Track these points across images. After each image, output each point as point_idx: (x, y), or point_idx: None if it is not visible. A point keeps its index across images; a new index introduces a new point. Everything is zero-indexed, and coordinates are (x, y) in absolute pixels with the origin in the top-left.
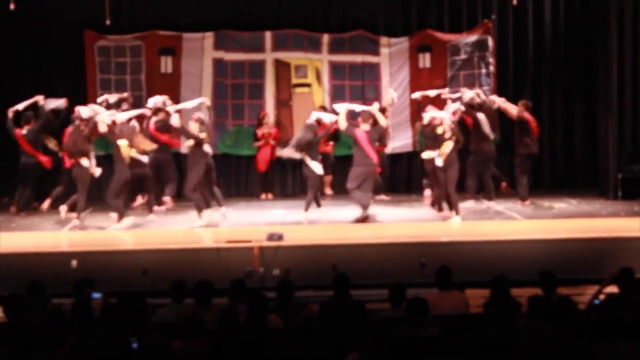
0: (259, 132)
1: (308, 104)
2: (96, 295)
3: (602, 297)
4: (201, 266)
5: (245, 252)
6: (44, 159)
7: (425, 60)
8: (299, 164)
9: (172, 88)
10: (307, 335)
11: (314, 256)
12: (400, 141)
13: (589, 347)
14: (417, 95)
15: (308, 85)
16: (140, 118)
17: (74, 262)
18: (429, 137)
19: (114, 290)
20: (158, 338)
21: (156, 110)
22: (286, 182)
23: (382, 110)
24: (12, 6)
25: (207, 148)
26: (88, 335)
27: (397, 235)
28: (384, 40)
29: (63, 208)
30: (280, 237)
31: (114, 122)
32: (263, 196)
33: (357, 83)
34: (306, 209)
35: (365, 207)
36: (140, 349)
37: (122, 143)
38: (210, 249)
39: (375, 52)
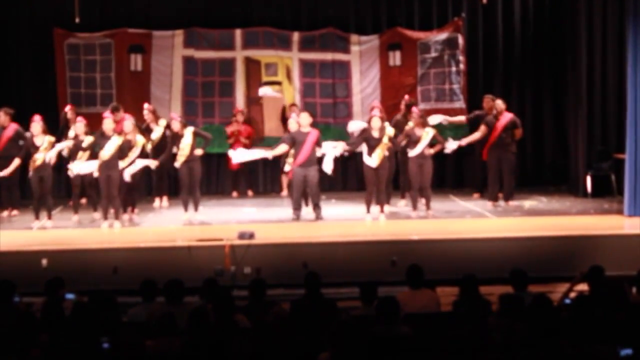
0: (229, 129)
1: (278, 102)
2: (69, 295)
3: (572, 295)
4: (172, 265)
5: (217, 251)
6: None
7: (395, 58)
8: (272, 162)
9: (142, 86)
10: (278, 334)
11: (285, 254)
12: None
13: (561, 346)
14: (438, 119)
15: (278, 83)
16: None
17: (44, 261)
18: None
19: (84, 289)
20: (129, 337)
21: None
22: (257, 180)
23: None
24: None
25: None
26: (60, 336)
27: (367, 234)
28: (354, 38)
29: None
30: (251, 236)
31: None
32: (234, 194)
33: (328, 81)
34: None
35: None
36: (111, 348)
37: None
38: (181, 247)
39: (346, 50)
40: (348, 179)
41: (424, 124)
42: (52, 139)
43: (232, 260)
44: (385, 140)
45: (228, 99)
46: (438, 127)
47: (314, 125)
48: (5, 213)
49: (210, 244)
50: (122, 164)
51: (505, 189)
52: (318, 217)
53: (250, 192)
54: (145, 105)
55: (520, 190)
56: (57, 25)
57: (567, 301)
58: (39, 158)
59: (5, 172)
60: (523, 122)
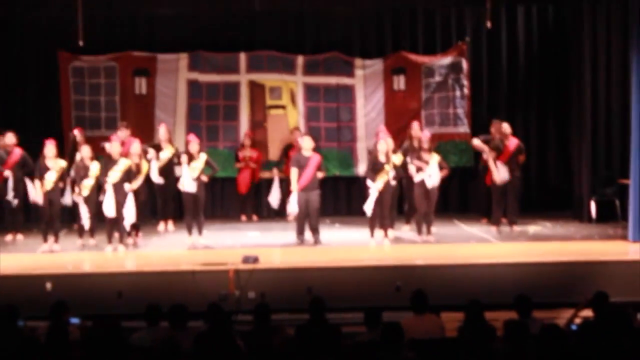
0: (240, 154)
1: (282, 126)
2: (74, 320)
3: (577, 321)
4: (176, 289)
5: (221, 275)
6: None
7: (399, 83)
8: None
9: (147, 109)
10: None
11: (289, 279)
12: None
13: None
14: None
15: (282, 107)
16: None
17: (49, 285)
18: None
19: (88, 314)
20: None
21: None
22: (264, 204)
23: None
24: None
25: None
26: None
27: (372, 259)
28: (358, 62)
29: None
30: (255, 260)
31: None
32: (243, 218)
33: (332, 105)
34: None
35: None
36: None
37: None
38: (186, 272)
39: (350, 74)
40: (352, 203)
41: (430, 150)
42: (63, 163)
43: (236, 284)
44: (389, 166)
45: (232, 123)
46: (442, 152)
47: (316, 149)
48: (9, 237)
49: (215, 269)
50: (126, 186)
51: (510, 214)
52: (316, 241)
53: (255, 217)
54: (163, 125)
55: (525, 215)
56: (61, 48)
57: (574, 327)
58: (50, 181)
59: (34, 195)
60: (527, 147)
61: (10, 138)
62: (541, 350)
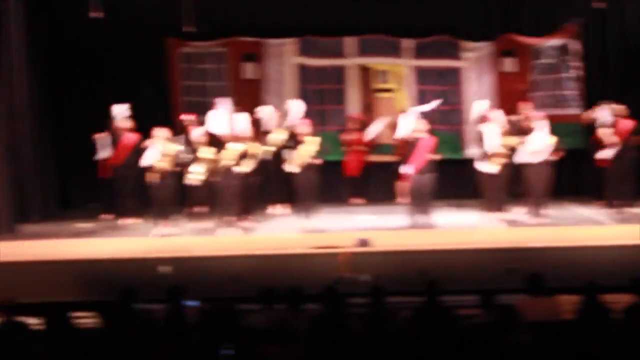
0: (345, 137)
1: (390, 109)
2: (192, 303)
3: None
4: (291, 272)
5: (335, 258)
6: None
7: (509, 65)
8: (385, 169)
9: (255, 94)
10: (400, 342)
11: (403, 262)
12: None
13: None
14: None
15: (390, 90)
16: None
17: (165, 268)
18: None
19: (204, 296)
20: (249, 344)
21: None
22: (372, 187)
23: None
24: (95, 14)
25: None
26: (181, 342)
27: (486, 241)
28: (467, 44)
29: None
30: (369, 243)
31: None
32: (354, 201)
33: (440, 88)
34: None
35: None
36: (232, 355)
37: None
38: (300, 254)
39: (458, 57)
40: (461, 185)
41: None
42: (178, 147)
43: (351, 267)
44: (504, 147)
45: (340, 107)
46: (555, 133)
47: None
48: (122, 220)
49: (329, 252)
50: (239, 169)
51: (626, 195)
52: (427, 224)
53: (364, 200)
54: (273, 109)
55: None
56: (170, 34)
57: None
58: (163, 166)
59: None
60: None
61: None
62: None
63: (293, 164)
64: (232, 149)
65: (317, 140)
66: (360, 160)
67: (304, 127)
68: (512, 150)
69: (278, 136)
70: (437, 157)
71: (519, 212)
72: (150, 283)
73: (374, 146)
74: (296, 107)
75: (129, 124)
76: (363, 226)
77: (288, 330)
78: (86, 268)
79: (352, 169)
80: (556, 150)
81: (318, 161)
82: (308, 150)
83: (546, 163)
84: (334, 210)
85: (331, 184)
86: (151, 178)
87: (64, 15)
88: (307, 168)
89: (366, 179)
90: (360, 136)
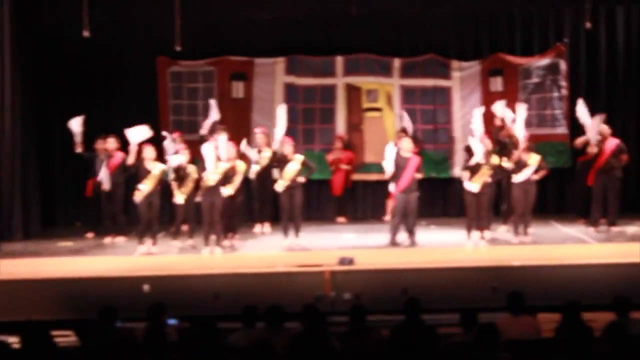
0: (330, 157)
1: (379, 129)
2: (171, 321)
3: None
4: (272, 290)
5: (317, 276)
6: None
7: (497, 84)
8: (373, 187)
9: (244, 113)
10: None
11: (385, 280)
12: None
13: None
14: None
15: (379, 109)
16: None
17: (146, 287)
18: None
19: (185, 315)
20: None
21: None
22: (359, 206)
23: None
24: (85, 33)
25: None
26: None
27: (468, 260)
28: (455, 64)
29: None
30: (351, 261)
31: None
32: (339, 220)
33: (429, 107)
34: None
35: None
36: None
37: None
38: (282, 273)
39: (447, 76)
40: (448, 204)
41: (530, 150)
42: (162, 166)
43: (332, 285)
44: (487, 167)
45: (328, 126)
46: (540, 153)
47: (419, 152)
48: (108, 239)
49: (310, 270)
50: (224, 190)
51: (610, 214)
52: (412, 243)
53: (347, 219)
54: (258, 130)
55: (623, 215)
56: (160, 53)
57: None
58: (149, 184)
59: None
60: (626, 146)
61: (112, 143)
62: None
63: (279, 184)
64: (217, 168)
65: (301, 158)
66: (346, 179)
67: (287, 146)
68: (496, 168)
69: (263, 155)
70: (420, 176)
71: (502, 231)
72: (132, 301)
73: (360, 165)
74: (280, 127)
75: (114, 144)
76: (347, 245)
77: (268, 349)
78: (68, 286)
79: (337, 188)
80: (539, 169)
81: (302, 180)
82: (293, 170)
83: (530, 182)
84: (319, 228)
85: (317, 203)
86: (137, 197)
87: (53, 33)
88: (293, 187)
89: (352, 197)
90: (345, 155)
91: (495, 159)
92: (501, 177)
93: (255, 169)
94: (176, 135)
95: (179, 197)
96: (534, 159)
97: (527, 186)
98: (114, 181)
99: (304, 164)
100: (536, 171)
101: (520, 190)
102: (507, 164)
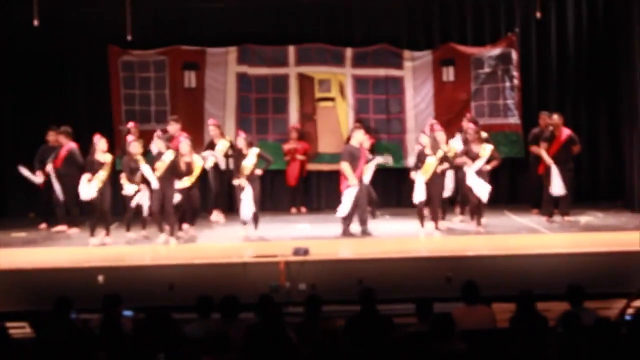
0: (286, 147)
1: (332, 118)
2: (127, 313)
3: (630, 311)
4: (228, 281)
5: (272, 267)
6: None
7: (449, 74)
8: (327, 178)
9: (196, 103)
10: (328, 350)
11: (340, 271)
12: None
13: None
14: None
15: (332, 99)
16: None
17: (101, 278)
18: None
19: (140, 306)
20: (186, 354)
21: None
22: (313, 196)
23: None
24: (35, 22)
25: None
26: (117, 353)
27: (423, 250)
28: (407, 54)
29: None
30: (306, 252)
31: None
32: (294, 210)
33: (381, 97)
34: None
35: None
36: None
37: None
38: (237, 264)
39: (399, 66)
40: (402, 195)
41: (481, 141)
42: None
43: (287, 276)
44: (434, 158)
45: (282, 116)
46: (492, 143)
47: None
48: (61, 228)
49: (266, 261)
50: (180, 184)
51: (562, 205)
52: (365, 233)
53: (304, 209)
54: (211, 121)
55: (576, 206)
56: (111, 43)
57: (627, 318)
58: (101, 175)
59: (85, 191)
60: (578, 138)
61: (63, 135)
62: (594, 342)
63: (238, 181)
64: (166, 158)
65: (256, 151)
66: (301, 170)
67: (241, 140)
68: (444, 160)
69: (218, 148)
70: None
71: (456, 221)
72: (87, 293)
73: (314, 155)
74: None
75: (66, 136)
76: (302, 235)
77: (224, 339)
78: (22, 278)
79: (292, 178)
80: (492, 159)
81: (260, 173)
82: (250, 165)
83: (482, 172)
84: (274, 219)
85: (272, 193)
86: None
87: (3, 22)
88: (250, 180)
89: (306, 188)
90: (301, 146)
91: (447, 150)
92: (456, 168)
93: (211, 162)
94: (132, 126)
95: (129, 189)
96: (486, 150)
97: (480, 176)
98: (66, 172)
99: (260, 156)
100: (489, 161)
101: (472, 180)
102: (451, 154)
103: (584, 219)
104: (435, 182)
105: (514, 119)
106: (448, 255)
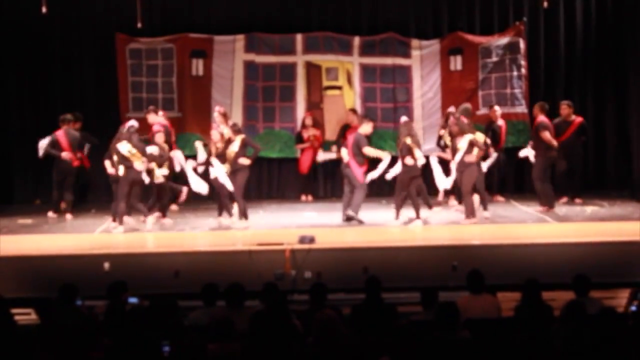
0: (305, 134)
1: (339, 107)
2: (132, 299)
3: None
4: (233, 269)
5: (277, 255)
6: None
7: (456, 63)
8: (333, 165)
9: (203, 90)
10: (325, 339)
11: (345, 259)
12: (430, 144)
13: (628, 354)
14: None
15: (339, 87)
16: None
17: (107, 265)
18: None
19: (145, 293)
20: (190, 341)
21: None
22: (319, 184)
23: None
24: (44, 9)
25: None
26: (121, 339)
27: (429, 238)
28: (415, 42)
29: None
30: (312, 240)
31: None
32: (303, 198)
33: (388, 85)
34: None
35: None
36: (172, 352)
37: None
38: (242, 251)
39: (406, 55)
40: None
41: (462, 132)
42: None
43: (292, 264)
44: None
45: (289, 104)
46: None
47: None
48: (71, 216)
49: (271, 248)
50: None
51: (574, 189)
52: (350, 217)
53: (311, 197)
54: (217, 108)
55: (582, 195)
56: (119, 30)
57: (633, 308)
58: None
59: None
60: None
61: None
62: (598, 331)
63: (220, 169)
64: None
65: (241, 137)
66: (313, 157)
67: (225, 128)
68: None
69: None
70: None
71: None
72: (92, 279)
73: (322, 143)
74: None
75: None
76: (307, 223)
77: (228, 327)
78: (28, 264)
79: (305, 166)
80: (471, 149)
81: (247, 162)
82: (232, 151)
83: (464, 164)
84: (280, 207)
85: (279, 181)
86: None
87: (12, 9)
88: (235, 170)
89: (313, 176)
90: (319, 132)
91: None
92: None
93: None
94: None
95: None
96: (463, 142)
97: (463, 168)
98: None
99: (245, 143)
100: (470, 152)
101: (457, 173)
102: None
103: (590, 208)
104: (405, 171)
105: (521, 108)
106: (453, 244)
